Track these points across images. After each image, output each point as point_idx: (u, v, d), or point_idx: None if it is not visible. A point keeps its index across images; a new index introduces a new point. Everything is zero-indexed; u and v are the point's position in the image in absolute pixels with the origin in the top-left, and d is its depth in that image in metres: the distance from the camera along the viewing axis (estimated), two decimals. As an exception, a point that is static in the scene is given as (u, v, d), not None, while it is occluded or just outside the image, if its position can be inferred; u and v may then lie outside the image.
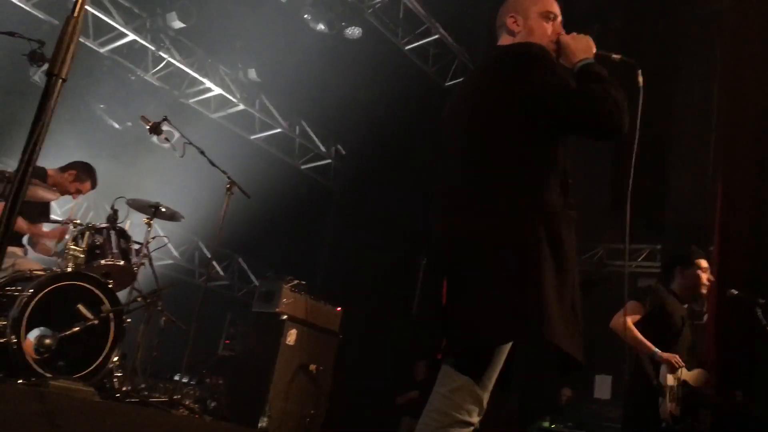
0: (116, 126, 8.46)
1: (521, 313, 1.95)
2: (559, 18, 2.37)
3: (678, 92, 8.22)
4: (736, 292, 4.21)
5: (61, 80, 1.60)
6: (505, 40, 2.40)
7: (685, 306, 4.23)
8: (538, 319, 1.93)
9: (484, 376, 2.00)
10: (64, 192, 5.26)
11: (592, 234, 9.60)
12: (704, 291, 4.19)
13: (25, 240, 5.18)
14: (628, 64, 2.31)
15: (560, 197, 2.08)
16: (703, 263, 4.20)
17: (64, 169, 5.25)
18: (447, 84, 10.13)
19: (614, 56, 2.33)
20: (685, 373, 3.93)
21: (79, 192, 5.30)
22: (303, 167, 10.79)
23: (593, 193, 9.11)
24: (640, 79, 2.29)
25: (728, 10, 6.82)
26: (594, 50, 2.27)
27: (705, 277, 4.16)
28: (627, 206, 2.36)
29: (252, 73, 8.91)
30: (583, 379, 8.11)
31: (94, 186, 5.36)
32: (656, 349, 3.92)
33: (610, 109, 2.05)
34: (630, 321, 4.03)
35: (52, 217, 5.47)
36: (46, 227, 5.42)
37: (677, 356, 3.91)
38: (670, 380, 3.86)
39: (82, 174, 5.27)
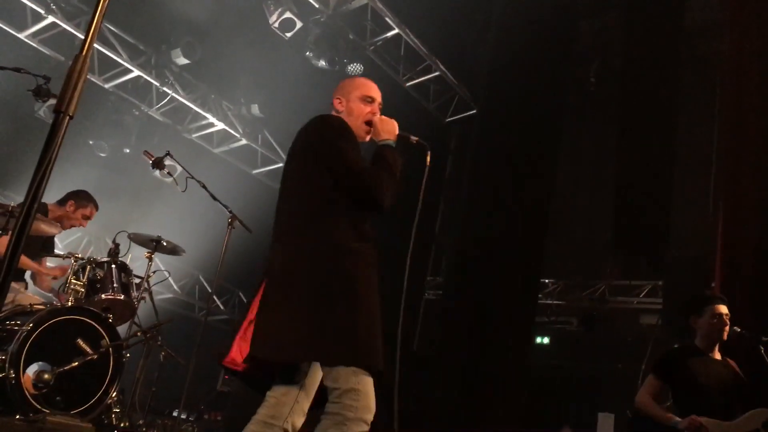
0: (118, 160, 8.51)
1: (305, 335, 2.29)
2: (378, 101, 2.80)
3: (679, 130, 8.25)
4: (739, 330, 4.15)
5: (68, 117, 1.60)
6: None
7: (716, 356, 4.15)
8: (320, 341, 2.27)
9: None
10: (69, 225, 5.24)
11: (594, 271, 9.58)
12: (723, 336, 4.09)
13: (27, 275, 5.16)
14: (421, 146, 2.79)
15: (354, 239, 2.46)
16: (718, 309, 4.12)
17: (62, 202, 5.23)
18: (447, 120, 10.21)
19: (412, 138, 2.81)
20: (728, 426, 3.78)
21: (86, 218, 5.29)
22: (304, 202, 10.79)
23: (595, 231, 9.12)
24: (428, 159, 2.80)
25: (728, 51, 6.89)
26: (396, 133, 2.73)
27: (718, 323, 4.08)
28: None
29: (255, 109, 8.98)
30: (586, 418, 8.01)
31: (96, 208, 5.35)
32: (675, 419, 3.86)
33: (373, 187, 2.50)
34: (647, 397, 4.05)
35: (55, 251, 5.45)
36: (49, 262, 5.41)
37: (695, 419, 3.80)
38: None
39: (82, 200, 5.25)
